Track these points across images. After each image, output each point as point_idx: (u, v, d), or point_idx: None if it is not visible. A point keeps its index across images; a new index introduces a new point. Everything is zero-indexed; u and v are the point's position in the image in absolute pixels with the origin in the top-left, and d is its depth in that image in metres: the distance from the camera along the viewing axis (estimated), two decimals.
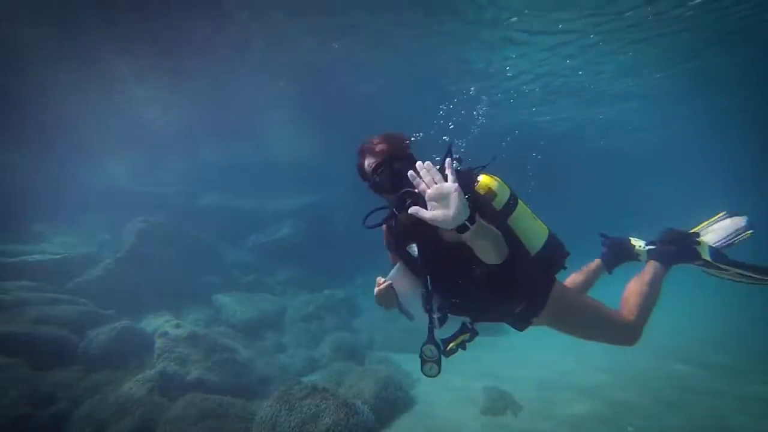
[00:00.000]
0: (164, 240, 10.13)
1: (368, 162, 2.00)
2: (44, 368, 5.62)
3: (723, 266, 2.61)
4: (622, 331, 2.40)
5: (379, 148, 1.97)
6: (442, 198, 1.49)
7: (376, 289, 2.02)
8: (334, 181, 14.39)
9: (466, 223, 1.52)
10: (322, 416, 4.62)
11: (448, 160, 1.53)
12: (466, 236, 1.57)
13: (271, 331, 8.56)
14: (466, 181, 1.95)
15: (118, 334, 6.53)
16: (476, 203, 1.77)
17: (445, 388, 6.18)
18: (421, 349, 2.02)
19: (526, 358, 7.44)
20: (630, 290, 2.58)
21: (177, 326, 6.43)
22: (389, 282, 2.04)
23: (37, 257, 8.71)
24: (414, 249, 2.06)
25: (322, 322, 9.10)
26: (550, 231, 2.18)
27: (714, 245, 2.68)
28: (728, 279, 2.69)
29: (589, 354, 7.19)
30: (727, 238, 2.69)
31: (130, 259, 9.22)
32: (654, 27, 7.66)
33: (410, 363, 7.32)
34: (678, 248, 2.72)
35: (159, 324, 6.85)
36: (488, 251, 1.69)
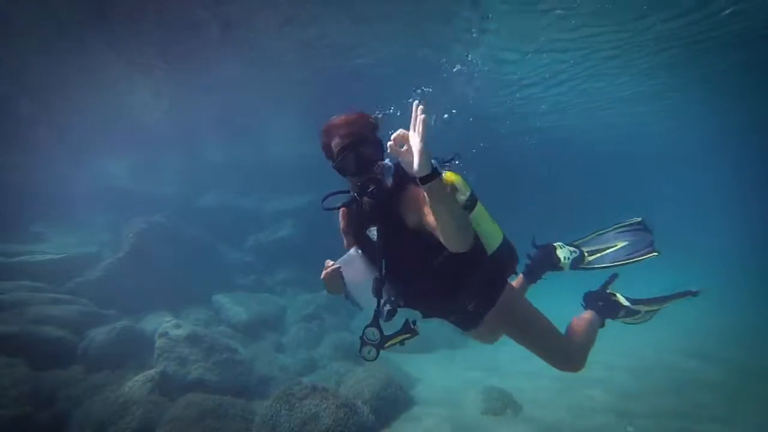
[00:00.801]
0: (164, 240, 10.13)
1: (334, 143, 1.96)
2: (44, 368, 5.62)
3: (638, 307, 2.75)
4: (565, 351, 2.45)
5: (345, 129, 1.94)
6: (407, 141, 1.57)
7: (323, 273, 1.99)
8: (335, 180, 14.35)
9: (434, 172, 1.55)
10: (322, 416, 4.63)
11: (415, 103, 1.57)
12: (431, 187, 1.55)
13: (271, 331, 8.56)
14: (396, 189, 2.00)
15: (118, 334, 6.53)
16: None
17: (445, 388, 6.19)
18: (363, 330, 2.04)
19: (526, 357, 7.41)
20: (574, 324, 2.68)
21: (177, 326, 6.43)
22: (337, 266, 2.02)
23: (37, 257, 8.71)
24: (374, 233, 2.04)
25: (322, 322, 9.10)
26: (504, 235, 2.22)
27: (626, 304, 2.78)
28: (641, 321, 2.83)
29: (592, 354, 7.20)
30: (629, 256, 2.69)
31: (130, 259, 9.22)
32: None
33: (410, 363, 7.33)
34: (604, 304, 2.82)
35: (159, 324, 6.84)
36: (451, 224, 1.65)
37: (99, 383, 5.65)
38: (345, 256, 2.09)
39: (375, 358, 2.05)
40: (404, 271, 2.04)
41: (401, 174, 1.94)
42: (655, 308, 2.79)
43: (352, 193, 2.06)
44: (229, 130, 14.06)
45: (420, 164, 1.51)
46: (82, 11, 6.19)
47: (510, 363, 7.04)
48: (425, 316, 2.18)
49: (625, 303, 2.76)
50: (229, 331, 7.93)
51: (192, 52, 7.76)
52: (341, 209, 2.26)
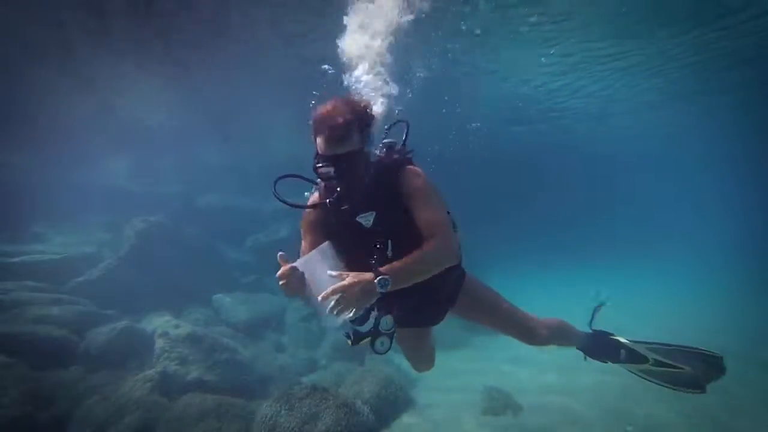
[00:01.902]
0: (164, 240, 10.13)
1: (318, 143, 1.85)
2: (44, 368, 5.62)
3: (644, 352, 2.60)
4: (528, 323, 2.49)
5: (331, 134, 1.80)
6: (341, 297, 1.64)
7: (278, 272, 1.71)
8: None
9: (382, 282, 1.67)
10: (322, 416, 4.63)
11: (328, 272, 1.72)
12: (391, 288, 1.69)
13: (271, 331, 8.57)
14: (392, 171, 1.99)
15: (118, 334, 6.52)
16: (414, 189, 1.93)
17: (445, 387, 6.19)
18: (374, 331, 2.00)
19: (527, 357, 7.43)
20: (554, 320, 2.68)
21: (177, 326, 6.44)
22: (292, 265, 1.74)
23: (37, 257, 8.70)
24: (368, 218, 1.94)
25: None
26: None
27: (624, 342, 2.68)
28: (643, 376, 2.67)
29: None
30: None
31: (130, 259, 9.21)
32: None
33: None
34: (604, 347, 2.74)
35: (159, 324, 6.85)
36: (435, 270, 1.87)
37: (99, 383, 5.64)
38: (314, 251, 1.84)
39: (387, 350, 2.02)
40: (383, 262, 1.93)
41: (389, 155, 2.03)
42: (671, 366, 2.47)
43: (320, 173, 1.88)
44: (228, 130, 14.07)
45: (366, 298, 1.68)
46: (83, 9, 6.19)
47: (510, 363, 7.04)
48: (399, 320, 2.06)
49: (630, 344, 2.62)
50: (229, 331, 7.93)
51: (190, 48, 7.76)
52: (314, 198, 2.11)
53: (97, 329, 6.66)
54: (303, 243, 2.15)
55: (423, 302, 2.15)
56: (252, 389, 6.11)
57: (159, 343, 6.13)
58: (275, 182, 2.03)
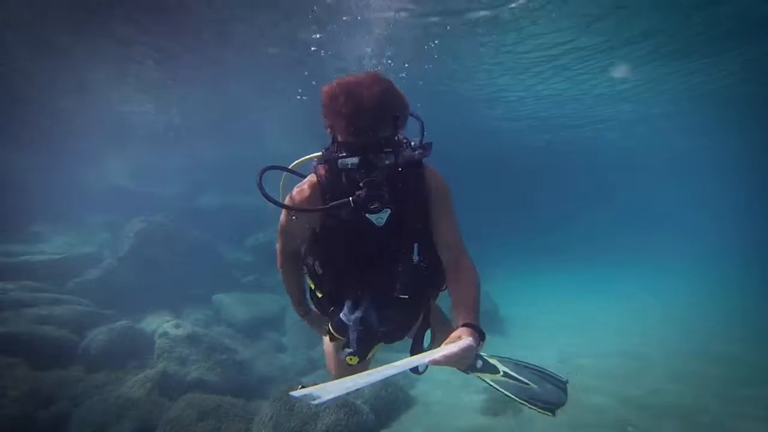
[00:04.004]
0: (164, 240, 10.13)
1: (342, 131, 1.50)
2: (44, 368, 5.62)
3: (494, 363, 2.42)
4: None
5: (364, 120, 1.43)
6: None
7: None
8: None
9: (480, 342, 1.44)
10: (322, 416, 4.64)
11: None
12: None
13: (271, 331, 8.57)
14: (418, 165, 1.72)
15: (118, 334, 6.53)
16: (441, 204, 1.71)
17: (445, 387, 6.18)
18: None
19: (527, 357, 7.41)
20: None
21: (177, 326, 6.44)
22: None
23: (37, 257, 8.72)
24: (381, 216, 1.65)
25: None
26: None
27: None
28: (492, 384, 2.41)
29: (591, 354, 7.20)
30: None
31: (130, 259, 9.23)
32: None
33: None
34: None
35: (159, 324, 6.85)
36: None
37: (99, 383, 5.65)
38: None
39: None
40: (410, 267, 1.75)
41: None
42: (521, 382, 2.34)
43: (346, 163, 1.53)
44: (228, 129, 14.07)
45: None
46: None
47: None
48: (386, 336, 1.86)
49: (486, 357, 2.42)
50: (229, 331, 7.94)
51: (189, 45, 7.74)
52: (304, 194, 1.75)
53: (97, 329, 6.66)
54: (281, 245, 1.94)
55: (405, 322, 1.93)
56: (252, 389, 6.11)
57: (159, 343, 6.14)
58: (260, 175, 1.67)
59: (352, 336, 1.78)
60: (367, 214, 1.64)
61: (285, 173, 1.95)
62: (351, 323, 1.79)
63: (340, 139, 1.52)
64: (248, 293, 9.83)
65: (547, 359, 7.00)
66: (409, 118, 1.75)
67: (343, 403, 4.77)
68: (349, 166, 1.50)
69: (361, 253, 1.74)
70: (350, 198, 1.54)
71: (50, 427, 4.80)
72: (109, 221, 12.09)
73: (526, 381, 2.30)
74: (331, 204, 1.63)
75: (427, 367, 1.51)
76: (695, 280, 13.02)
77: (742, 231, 23.78)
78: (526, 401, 2.21)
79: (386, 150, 1.49)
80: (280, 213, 1.86)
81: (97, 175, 15.41)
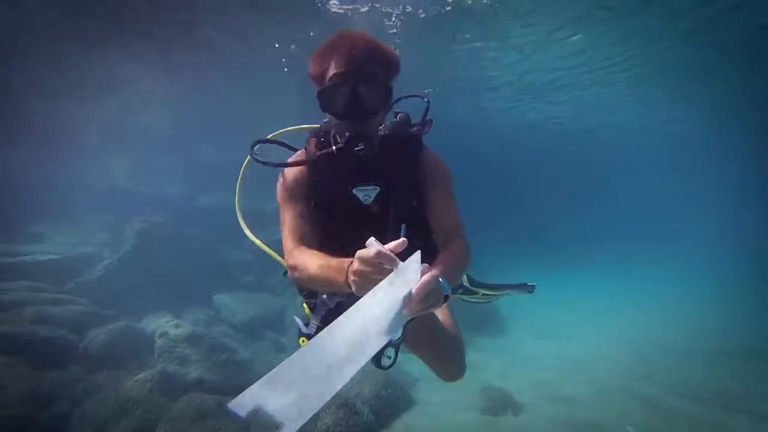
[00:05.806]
0: (164, 240, 10.12)
1: (335, 60, 1.49)
2: (44, 368, 5.61)
3: (474, 289, 2.45)
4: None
5: (356, 49, 1.46)
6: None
7: (379, 261, 1.15)
8: None
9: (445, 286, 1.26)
10: (322, 416, 4.63)
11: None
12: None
13: (271, 331, 8.56)
14: (415, 142, 1.67)
15: (118, 334, 6.52)
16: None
17: (445, 387, 6.16)
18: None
19: (527, 357, 7.44)
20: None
21: (177, 326, 6.43)
22: (390, 255, 1.15)
23: (37, 257, 8.70)
24: (369, 193, 1.60)
25: None
26: None
27: (465, 283, 2.42)
28: (475, 301, 2.54)
29: (590, 354, 7.19)
30: None
31: (130, 259, 9.21)
32: None
33: (410, 363, 7.31)
34: None
35: (159, 324, 6.84)
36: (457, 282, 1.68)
37: (99, 383, 5.64)
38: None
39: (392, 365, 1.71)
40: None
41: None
42: (493, 294, 2.44)
43: (336, 137, 1.56)
44: (228, 129, 14.08)
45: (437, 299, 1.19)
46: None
47: (510, 363, 7.04)
48: None
49: (465, 283, 2.41)
50: (229, 331, 7.93)
51: (189, 50, 7.77)
52: (298, 157, 1.73)
53: (97, 329, 6.65)
54: (285, 214, 1.72)
55: None
56: None
57: (159, 343, 6.13)
58: (253, 146, 1.74)
59: (316, 317, 1.70)
60: (354, 190, 1.60)
61: (248, 159, 1.89)
62: (328, 305, 1.68)
63: (331, 72, 1.49)
64: (248, 293, 9.83)
65: (547, 359, 7.01)
66: (415, 99, 1.77)
67: (343, 403, 4.77)
68: (339, 103, 1.47)
69: (348, 234, 1.59)
70: (334, 147, 1.55)
71: (50, 427, 4.79)
72: (109, 221, 12.08)
73: (503, 292, 2.45)
74: (318, 153, 1.61)
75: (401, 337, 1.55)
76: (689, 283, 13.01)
77: (738, 231, 23.76)
78: (506, 292, 2.41)
79: (375, 85, 1.48)
80: (280, 213, 1.81)
81: (98, 175, 15.42)
